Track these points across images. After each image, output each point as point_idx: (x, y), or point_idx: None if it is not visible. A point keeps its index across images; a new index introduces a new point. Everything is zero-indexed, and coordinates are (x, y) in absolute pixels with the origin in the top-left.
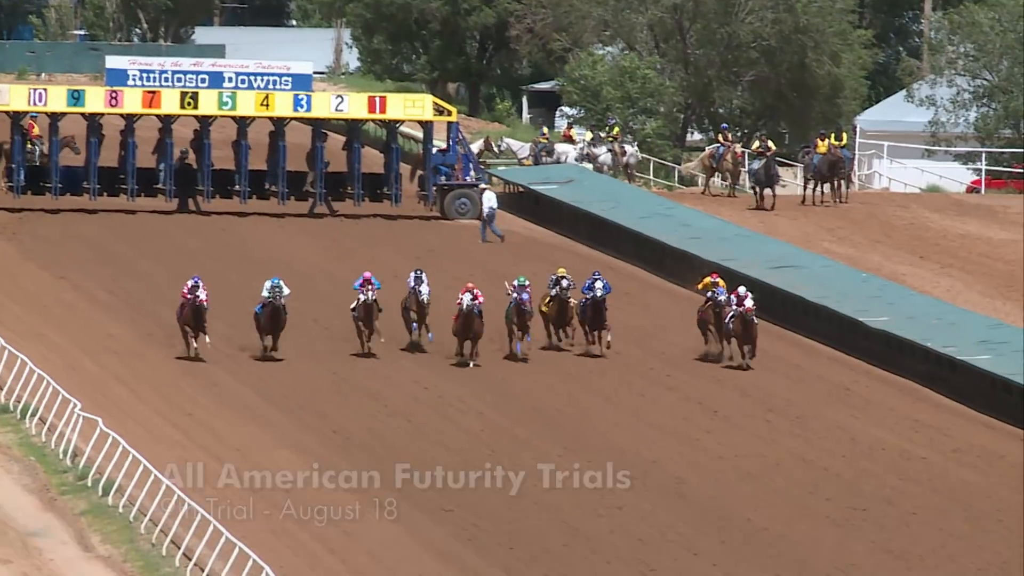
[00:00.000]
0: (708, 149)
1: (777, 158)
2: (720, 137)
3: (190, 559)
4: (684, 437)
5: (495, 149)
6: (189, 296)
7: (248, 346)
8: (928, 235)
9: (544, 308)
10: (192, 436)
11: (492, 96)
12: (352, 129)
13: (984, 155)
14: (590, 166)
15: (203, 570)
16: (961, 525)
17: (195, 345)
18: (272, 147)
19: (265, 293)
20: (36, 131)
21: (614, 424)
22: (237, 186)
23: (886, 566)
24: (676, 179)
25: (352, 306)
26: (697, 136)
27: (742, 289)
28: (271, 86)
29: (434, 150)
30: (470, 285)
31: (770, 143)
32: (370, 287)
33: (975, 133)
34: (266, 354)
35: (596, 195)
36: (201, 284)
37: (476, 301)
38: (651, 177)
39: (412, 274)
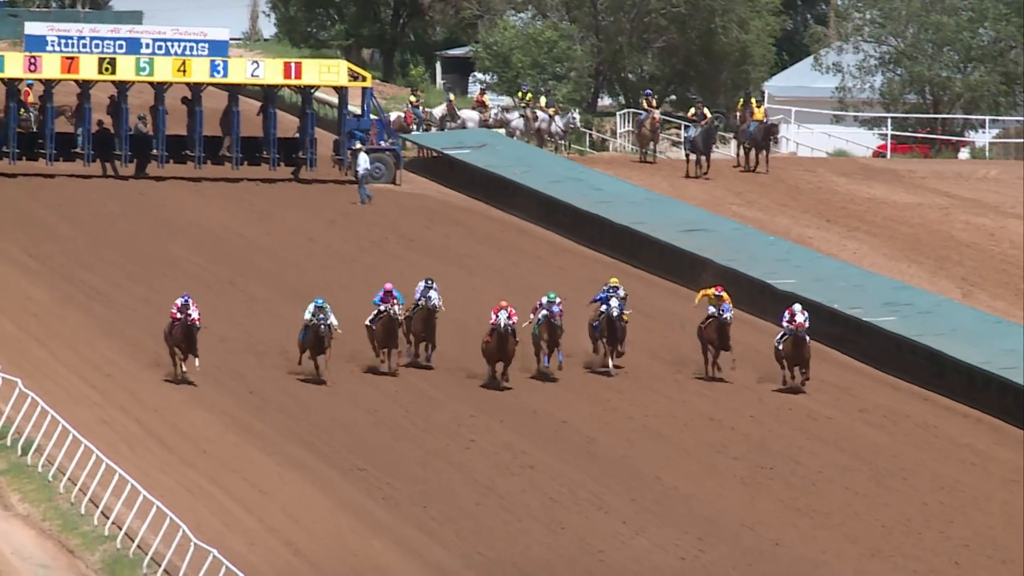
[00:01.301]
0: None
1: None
2: (644, 103)
3: (108, 517)
4: (595, 398)
5: (456, 112)
6: (179, 316)
7: (165, 309)
8: (835, 199)
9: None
10: (110, 397)
11: (406, 62)
12: (268, 95)
13: (890, 120)
14: (503, 131)
15: (120, 528)
16: (866, 484)
17: (184, 369)
18: (189, 112)
19: (307, 316)
20: (31, 98)
21: (527, 385)
22: (155, 151)
23: (793, 524)
24: (587, 144)
25: (370, 318)
26: (607, 101)
27: (797, 306)
28: (188, 52)
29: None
30: (504, 303)
31: (706, 111)
32: (393, 300)
33: (881, 99)
34: (316, 378)
35: (509, 160)
36: (192, 302)
37: (511, 320)
38: (563, 142)
39: (421, 283)
